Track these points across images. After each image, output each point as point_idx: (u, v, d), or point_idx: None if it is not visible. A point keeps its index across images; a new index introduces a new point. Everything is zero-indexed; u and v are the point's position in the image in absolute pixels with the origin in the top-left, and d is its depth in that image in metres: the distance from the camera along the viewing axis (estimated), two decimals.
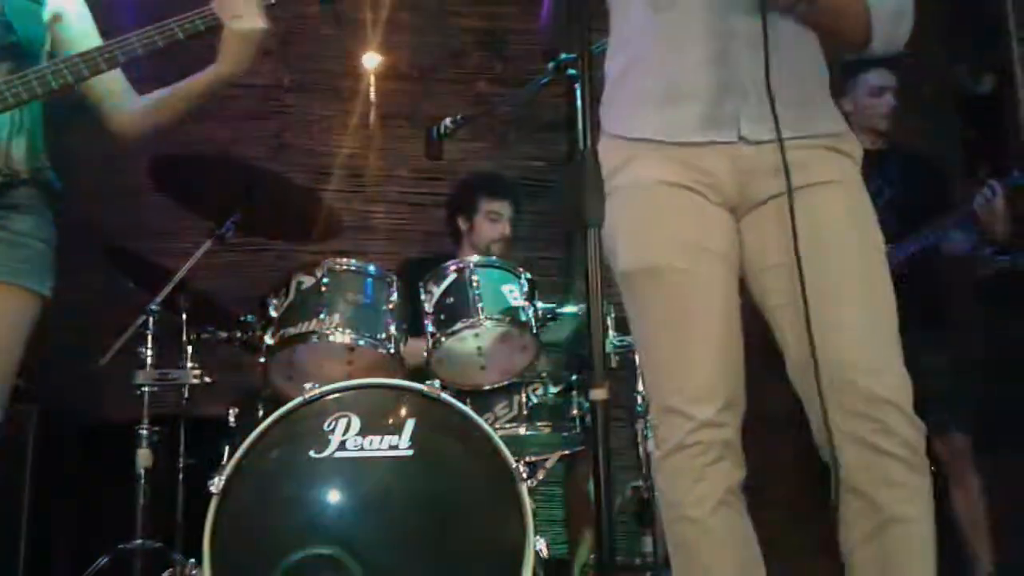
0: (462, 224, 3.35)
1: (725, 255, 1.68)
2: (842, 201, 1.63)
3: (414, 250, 3.99)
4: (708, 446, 1.61)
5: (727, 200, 1.67)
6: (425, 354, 2.51)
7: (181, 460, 2.74)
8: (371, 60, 4.02)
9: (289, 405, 2.09)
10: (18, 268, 1.80)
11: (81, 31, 1.96)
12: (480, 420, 2.17)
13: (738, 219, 1.70)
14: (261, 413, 2.56)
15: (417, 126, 4.14)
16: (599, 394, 1.27)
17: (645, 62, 1.70)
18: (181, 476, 2.73)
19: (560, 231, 4.15)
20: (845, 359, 1.54)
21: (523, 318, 2.53)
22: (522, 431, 2.61)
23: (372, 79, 4.07)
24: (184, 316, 2.74)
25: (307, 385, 2.14)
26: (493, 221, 3.28)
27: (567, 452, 2.77)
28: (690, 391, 1.63)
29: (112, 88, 1.96)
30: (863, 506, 1.54)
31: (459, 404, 2.15)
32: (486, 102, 4.16)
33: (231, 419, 2.69)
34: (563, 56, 2.22)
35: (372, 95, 4.10)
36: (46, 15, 1.93)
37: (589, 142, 1.38)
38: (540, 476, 2.65)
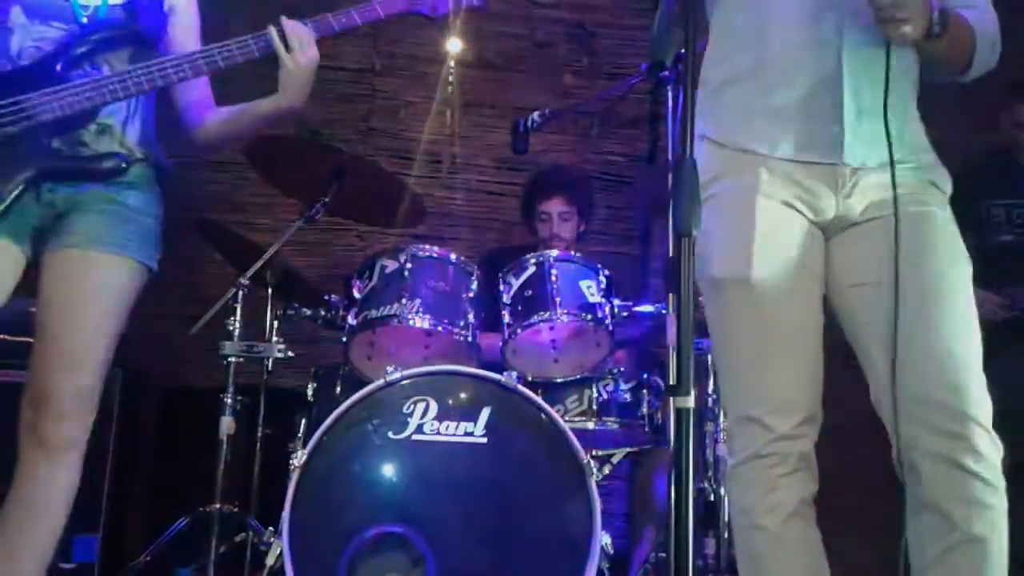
0: (530, 224, 3.42)
1: (813, 270, 1.71)
2: (936, 228, 1.66)
3: (491, 239, 4.04)
4: (784, 457, 1.63)
5: (822, 218, 1.70)
6: (499, 346, 2.56)
7: (260, 430, 2.83)
8: (454, 46, 4.06)
9: (371, 386, 2.16)
10: (128, 241, 1.90)
11: (187, 28, 2.05)
12: (554, 414, 2.21)
13: (828, 237, 1.73)
14: (339, 390, 2.64)
15: (500, 115, 4.18)
16: (685, 403, 1.30)
17: (751, 76, 1.72)
18: (259, 445, 2.82)
19: (637, 227, 4.15)
20: (932, 377, 1.56)
21: (599, 314, 2.56)
22: (591, 425, 2.64)
23: (457, 67, 4.11)
24: (270, 291, 2.83)
25: (388, 368, 2.20)
26: (543, 221, 3.34)
27: (634, 449, 2.79)
28: (771, 403, 1.65)
29: (200, 95, 2.07)
30: (938, 523, 1.54)
31: (535, 396, 2.20)
32: (571, 95, 4.17)
33: (309, 393, 2.78)
34: (666, 64, 2.22)
35: (456, 83, 4.15)
36: (165, 6, 2.01)
37: (689, 150, 1.41)
38: (606, 471, 2.68)
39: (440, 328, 2.47)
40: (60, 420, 1.81)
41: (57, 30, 1.89)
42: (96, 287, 1.86)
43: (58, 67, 1.86)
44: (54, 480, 1.84)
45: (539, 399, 2.20)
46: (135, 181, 1.93)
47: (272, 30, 1.94)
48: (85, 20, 1.91)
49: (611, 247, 4.02)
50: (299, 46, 1.93)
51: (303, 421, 2.73)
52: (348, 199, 2.79)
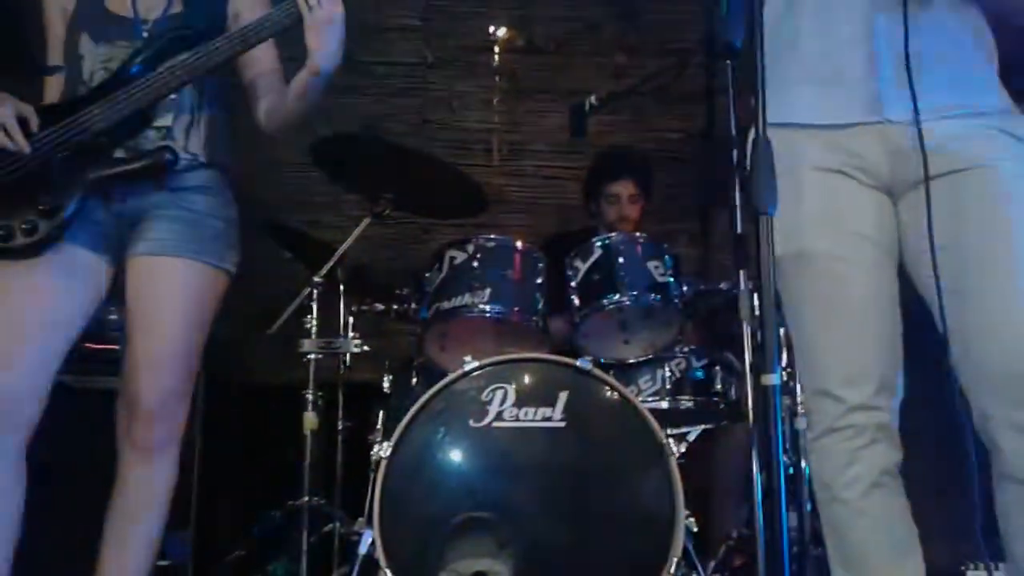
0: (592, 206, 3.44)
1: (877, 238, 1.67)
2: (1000, 183, 1.56)
3: (550, 223, 4.06)
4: (861, 429, 1.63)
5: (880, 182, 1.66)
6: (566, 330, 2.59)
7: (339, 423, 2.90)
8: (503, 33, 4.08)
9: (449, 377, 2.20)
10: (200, 246, 1.95)
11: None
12: (630, 395, 2.23)
13: (895, 201, 1.68)
14: (415, 381, 2.70)
15: (553, 100, 4.20)
16: (770, 380, 1.31)
17: (791, 43, 1.70)
18: (339, 438, 2.90)
19: (695, 203, 4.14)
20: (1011, 348, 1.51)
21: (667, 294, 2.57)
22: (665, 405, 2.65)
23: (508, 53, 4.13)
24: (342, 287, 2.89)
25: (466, 358, 2.24)
26: (611, 203, 3.36)
27: (710, 426, 2.80)
28: (841, 374, 1.65)
29: (263, 68, 2.06)
30: (1022, 494, 1.52)
31: (610, 379, 2.22)
32: (624, 74, 4.16)
33: (385, 386, 2.84)
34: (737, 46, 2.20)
35: (508, 70, 4.17)
36: (230, 13, 2.06)
37: (761, 129, 1.41)
38: (682, 449, 2.69)
39: (511, 316, 2.50)
40: (151, 422, 1.88)
41: (122, 48, 1.94)
42: (171, 292, 1.91)
43: (120, 83, 1.90)
44: (150, 481, 1.92)
45: (615, 381, 2.22)
46: (202, 185, 1.98)
47: None
48: (146, 34, 1.96)
49: (671, 224, 4.01)
50: (316, 3, 1.87)
51: (381, 413, 2.79)
52: (410, 193, 2.84)
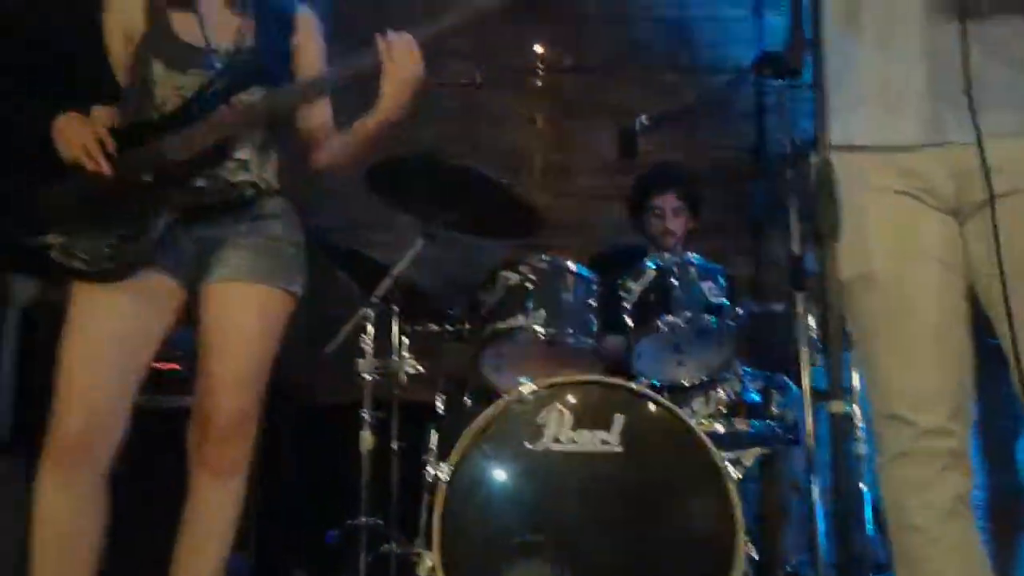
0: (638, 220, 3.44)
1: (944, 260, 1.65)
2: None
3: (600, 242, 4.05)
4: (934, 454, 1.60)
5: (946, 203, 1.64)
6: (620, 349, 2.58)
7: (394, 443, 2.92)
8: (550, 52, 4.10)
9: (506, 399, 2.21)
10: (273, 270, 1.99)
11: (312, 62, 2.12)
12: (688, 418, 2.22)
13: (961, 222, 1.66)
14: (470, 402, 2.71)
15: (601, 118, 4.20)
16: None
17: (850, 64, 1.68)
18: (394, 458, 2.91)
19: (748, 221, 4.11)
20: None
21: (722, 316, 2.55)
22: (720, 428, 2.63)
23: (556, 73, 4.14)
24: (396, 308, 2.91)
25: (521, 379, 2.25)
26: (658, 217, 3.35)
27: (767, 450, 2.77)
28: (912, 398, 1.62)
29: (321, 120, 2.13)
30: None
31: (667, 402, 2.21)
32: (673, 92, 4.16)
33: (439, 405, 2.86)
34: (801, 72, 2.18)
35: (556, 89, 4.18)
36: (292, 43, 2.10)
37: (824, 152, 1.40)
38: (740, 474, 2.67)
39: (565, 337, 2.51)
40: (223, 443, 1.92)
41: (195, 77, 1.98)
42: (247, 316, 1.96)
43: (195, 111, 1.96)
44: (220, 501, 1.95)
45: (672, 404, 2.21)
46: (275, 213, 2.03)
47: (378, 40, 1.96)
48: (219, 65, 2.00)
49: (724, 242, 3.98)
50: (401, 56, 1.93)
51: (435, 433, 2.80)
52: (463, 213, 2.86)
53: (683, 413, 2.22)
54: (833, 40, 1.70)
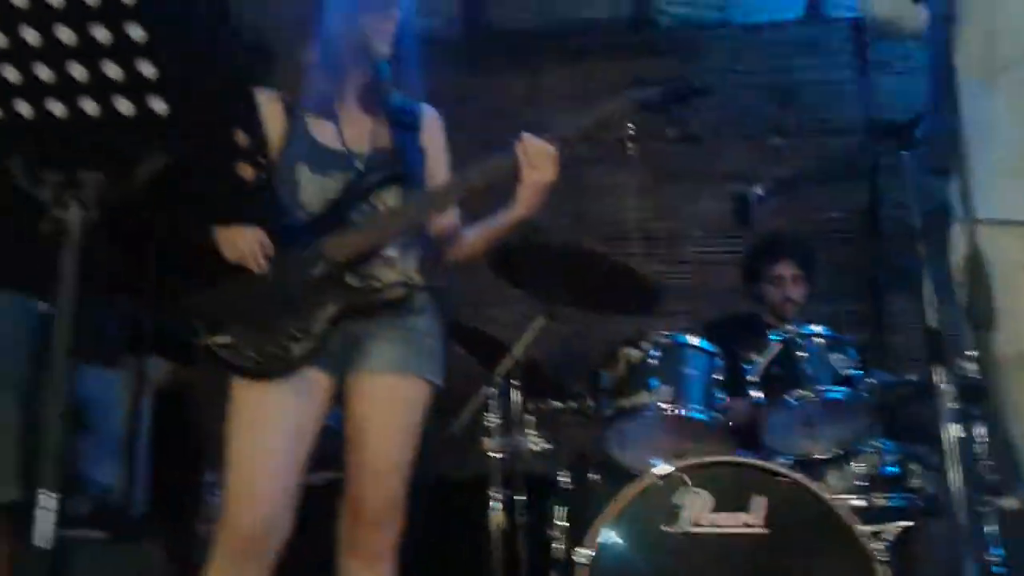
0: (754, 288, 3.41)
1: None
2: None
3: (710, 308, 4.03)
4: None
5: None
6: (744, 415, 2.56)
7: (519, 519, 2.93)
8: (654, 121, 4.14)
9: (643, 481, 2.20)
10: (418, 363, 2.06)
11: (438, 162, 2.22)
12: (830, 497, 2.17)
13: None
14: (598, 479, 2.71)
15: (708, 184, 4.22)
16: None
17: (987, 131, 1.66)
18: (519, 535, 2.92)
19: (864, 282, 4.03)
20: None
21: (854, 388, 2.51)
22: (859, 502, 2.56)
23: (661, 142, 4.18)
24: (519, 385, 2.95)
25: (654, 460, 2.25)
26: (778, 285, 3.33)
27: (904, 525, 2.68)
28: None
29: (453, 218, 2.22)
30: None
31: (808, 482, 2.17)
32: (780, 156, 4.15)
33: (563, 480, 2.86)
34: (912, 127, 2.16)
35: (662, 157, 4.21)
36: (420, 144, 2.20)
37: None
38: (883, 552, 2.59)
39: (693, 413, 2.50)
40: (373, 529, 1.97)
41: (337, 179, 2.08)
42: (395, 406, 2.02)
43: (342, 211, 2.06)
44: None
45: (813, 484, 2.17)
46: (419, 306, 2.10)
47: (516, 146, 2.04)
48: (360, 166, 2.10)
49: (838, 305, 3.91)
50: (540, 160, 2.01)
51: (560, 509, 2.80)
52: (580, 292, 2.89)
53: (824, 492, 2.17)
54: (966, 105, 1.69)
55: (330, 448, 2.12)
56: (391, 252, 2.07)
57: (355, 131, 2.13)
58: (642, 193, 4.30)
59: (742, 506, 2.15)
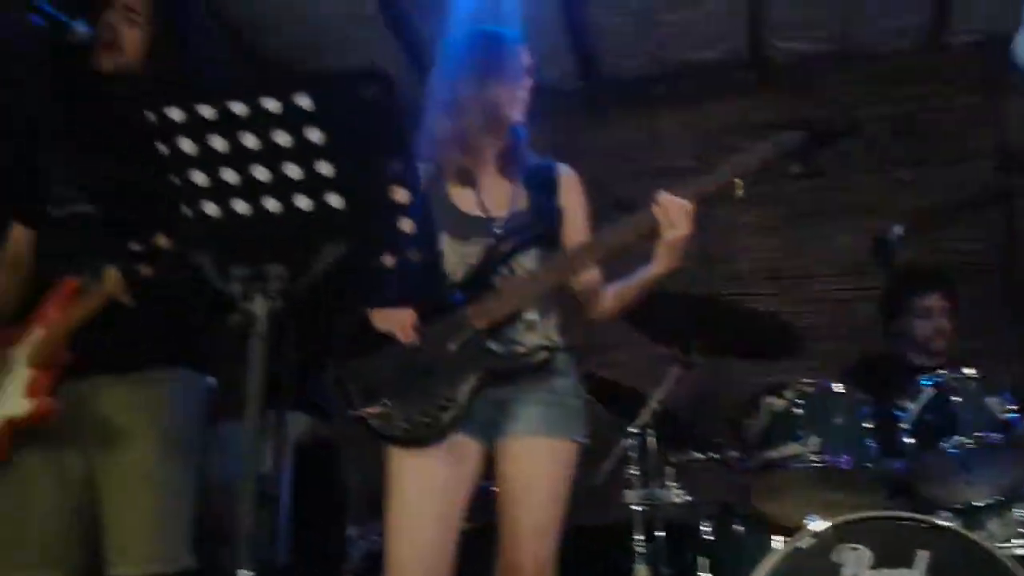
0: (897, 325, 3.31)
1: None
2: None
3: (844, 349, 3.93)
4: None
5: None
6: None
7: (663, 571, 2.91)
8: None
9: (801, 537, 2.17)
10: (565, 425, 2.10)
11: (576, 221, 2.25)
12: (995, 548, 2.10)
13: None
14: (743, 531, 2.68)
15: (837, 220, 4.14)
16: None
17: None
18: None
19: (1006, 315, 3.87)
20: None
21: (1013, 431, 2.42)
22: (1021, 550, 2.45)
23: (785, 179, 4.14)
24: (656, 435, 2.94)
25: (810, 516, 2.21)
26: (925, 318, 3.23)
27: None
28: None
29: (596, 276, 2.24)
30: None
31: (973, 535, 2.10)
32: (907, 188, 4.05)
33: (706, 531, 2.83)
34: None
35: (786, 195, 4.17)
36: (558, 203, 2.25)
37: None
38: None
39: (843, 464, 2.45)
40: None
41: (478, 246, 2.14)
42: (546, 469, 2.06)
43: (484, 277, 2.11)
44: None
45: (978, 538, 2.10)
46: (560, 368, 2.14)
47: (654, 205, 2.04)
48: (498, 230, 2.16)
49: (978, 341, 3.76)
50: (678, 218, 2.01)
51: (703, 560, 2.77)
52: (715, 338, 2.88)
53: (990, 544, 2.10)
54: None
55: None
56: (531, 315, 2.11)
57: (494, 196, 2.19)
58: (767, 231, 4.25)
59: (905, 562, 2.09)
